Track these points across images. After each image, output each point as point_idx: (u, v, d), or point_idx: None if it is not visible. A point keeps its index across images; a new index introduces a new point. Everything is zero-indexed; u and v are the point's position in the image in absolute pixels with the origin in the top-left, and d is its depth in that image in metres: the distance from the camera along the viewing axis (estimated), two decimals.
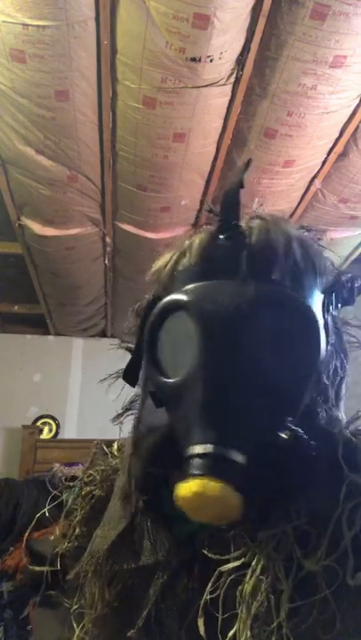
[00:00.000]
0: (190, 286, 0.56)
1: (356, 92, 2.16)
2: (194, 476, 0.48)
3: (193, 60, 1.94)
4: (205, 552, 0.53)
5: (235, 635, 0.49)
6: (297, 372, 0.53)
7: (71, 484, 0.77)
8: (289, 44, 1.94)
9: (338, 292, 0.59)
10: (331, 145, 2.47)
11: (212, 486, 0.47)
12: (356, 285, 0.59)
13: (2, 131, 2.34)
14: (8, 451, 4.33)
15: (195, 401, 0.51)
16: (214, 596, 0.51)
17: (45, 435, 4.44)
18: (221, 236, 0.58)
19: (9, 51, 1.94)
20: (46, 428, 4.48)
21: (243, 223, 0.59)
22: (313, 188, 2.77)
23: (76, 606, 0.61)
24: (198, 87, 2.08)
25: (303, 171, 2.60)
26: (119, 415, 0.69)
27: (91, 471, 0.73)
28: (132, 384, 0.64)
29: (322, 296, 0.58)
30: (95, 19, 1.89)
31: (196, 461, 0.49)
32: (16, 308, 4.42)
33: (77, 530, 0.68)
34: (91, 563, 0.59)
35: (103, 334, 4.76)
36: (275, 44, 1.98)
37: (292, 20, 1.86)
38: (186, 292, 0.56)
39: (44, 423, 4.49)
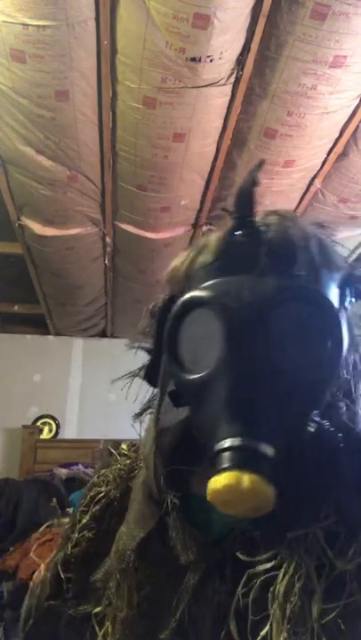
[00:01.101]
0: (210, 282, 0.56)
1: (356, 91, 2.16)
2: (225, 469, 0.48)
3: (193, 59, 1.94)
4: (238, 554, 0.52)
5: (266, 636, 0.49)
6: (321, 366, 0.53)
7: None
8: (289, 44, 1.94)
9: (352, 286, 0.59)
10: (331, 145, 2.47)
11: (245, 478, 0.47)
12: None
13: (2, 131, 2.34)
14: (8, 451, 4.34)
15: (221, 395, 0.51)
16: (245, 598, 0.51)
17: (45, 435, 4.44)
18: (238, 233, 0.57)
19: (9, 51, 1.94)
20: (46, 428, 4.48)
21: (258, 219, 0.59)
22: (313, 188, 2.77)
23: (98, 609, 0.59)
24: (198, 87, 2.08)
25: (303, 171, 2.60)
26: (139, 414, 0.67)
27: (104, 471, 0.71)
28: (154, 384, 0.63)
29: (338, 290, 0.58)
30: (95, 19, 1.89)
31: (227, 455, 0.49)
32: (16, 307, 4.43)
33: (86, 533, 0.66)
34: (119, 562, 0.58)
35: (103, 334, 4.76)
36: (275, 44, 1.98)
37: (292, 19, 1.86)
38: (206, 289, 0.55)
39: (44, 423, 4.50)
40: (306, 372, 0.52)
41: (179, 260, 0.63)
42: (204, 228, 3.10)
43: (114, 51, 2.02)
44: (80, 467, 3.75)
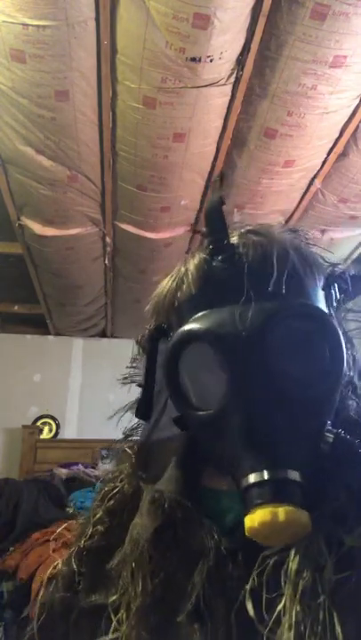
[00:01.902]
0: (199, 315, 0.56)
1: (356, 91, 2.16)
2: (257, 505, 0.49)
3: (193, 59, 1.94)
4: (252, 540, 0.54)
5: (281, 611, 0.50)
6: (325, 375, 0.54)
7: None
8: (289, 44, 1.94)
9: (335, 283, 0.60)
10: (331, 145, 2.47)
11: (280, 512, 0.48)
12: (350, 274, 0.61)
13: (2, 131, 2.34)
14: (8, 451, 4.34)
15: (235, 429, 0.51)
16: (259, 579, 0.53)
17: (45, 435, 4.44)
18: (216, 259, 0.57)
19: (9, 51, 1.94)
20: (46, 428, 4.48)
21: (235, 240, 0.59)
22: (313, 188, 2.77)
23: (113, 598, 0.60)
24: (198, 87, 2.08)
25: (303, 171, 2.60)
26: (122, 439, 0.71)
27: (119, 467, 0.72)
28: (146, 418, 0.64)
29: (323, 293, 0.59)
30: (95, 19, 1.89)
31: (255, 491, 0.49)
32: (16, 307, 4.43)
33: (100, 527, 0.67)
34: (134, 550, 0.59)
35: (103, 334, 4.76)
36: (275, 44, 1.98)
37: (292, 19, 1.86)
38: (197, 322, 0.55)
39: (44, 423, 4.50)
40: (312, 386, 0.53)
41: (161, 290, 0.63)
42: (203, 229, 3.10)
43: (114, 51, 2.02)
44: (80, 467, 3.76)
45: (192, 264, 0.60)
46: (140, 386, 0.65)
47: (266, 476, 0.49)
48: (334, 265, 0.62)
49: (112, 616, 0.59)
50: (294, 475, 0.50)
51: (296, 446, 0.51)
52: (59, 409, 4.57)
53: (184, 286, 0.59)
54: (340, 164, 2.59)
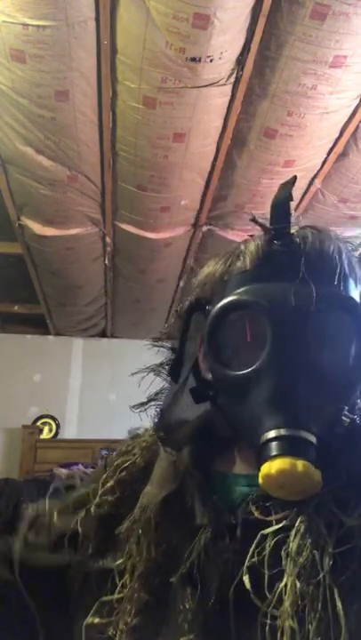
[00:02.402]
0: (251, 286, 0.61)
1: (356, 91, 2.16)
2: (277, 456, 0.53)
3: (193, 59, 1.95)
4: (253, 511, 0.58)
5: (282, 589, 0.53)
6: (353, 366, 0.59)
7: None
8: (289, 43, 1.94)
9: None
10: (331, 145, 2.47)
11: (299, 463, 0.52)
12: None
13: (2, 131, 2.34)
14: (8, 451, 4.34)
15: (265, 390, 0.57)
16: (257, 557, 0.56)
17: (45, 435, 4.44)
18: (276, 243, 0.62)
19: (9, 51, 1.94)
20: (46, 428, 4.48)
21: (294, 231, 0.64)
22: (313, 188, 2.77)
23: (119, 561, 0.63)
24: (198, 87, 2.08)
25: (303, 171, 2.60)
26: (144, 403, 0.72)
27: (131, 442, 0.75)
28: (176, 380, 0.69)
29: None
30: (95, 19, 1.89)
31: (276, 444, 0.54)
32: (16, 307, 4.43)
33: (110, 497, 0.70)
34: (142, 516, 0.63)
35: (103, 334, 4.76)
36: (275, 44, 1.98)
37: (292, 19, 1.86)
38: (249, 293, 0.61)
39: (44, 423, 4.50)
40: (340, 371, 0.59)
41: (212, 266, 0.68)
42: (204, 228, 3.10)
43: (114, 51, 2.02)
44: (80, 467, 3.76)
45: (252, 244, 0.64)
46: (172, 350, 0.70)
47: (286, 432, 0.54)
48: None
49: (117, 578, 0.63)
50: (311, 437, 0.54)
51: (316, 417, 0.56)
52: (59, 409, 4.56)
53: (239, 262, 0.64)
54: (340, 164, 2.59)
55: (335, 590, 0.52)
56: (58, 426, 4.50)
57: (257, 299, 0.59)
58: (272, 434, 0.54)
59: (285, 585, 0.53)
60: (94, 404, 4.54)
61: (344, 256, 0.62)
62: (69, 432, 4.51)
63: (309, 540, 0.54)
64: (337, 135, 2.41)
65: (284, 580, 0.53)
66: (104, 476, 0.72)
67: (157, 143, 2.35)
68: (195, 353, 0.68)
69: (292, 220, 0.63)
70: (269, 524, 0.56)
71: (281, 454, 0.53)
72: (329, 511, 0.55)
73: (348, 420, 0.57)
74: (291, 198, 0.63)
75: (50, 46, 1.92)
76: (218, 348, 0.62)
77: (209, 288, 0.66)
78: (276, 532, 0.56)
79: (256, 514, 0.57)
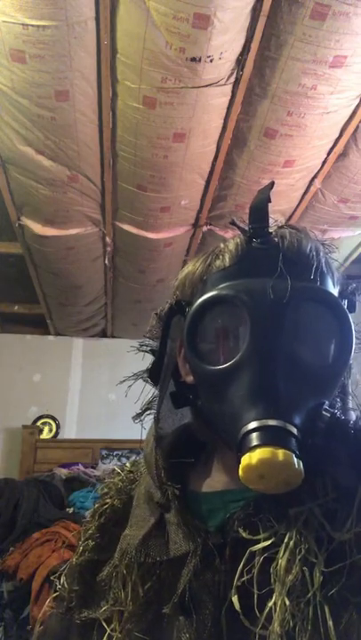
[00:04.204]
0: (231, 282, 0.61)
1: (356, 92, 2.16)
2: (257, 446, 0.52)
3: (193, 59, 1.94)
4: (241, 531, 0.56)
5: (271, 608, 0.52)
6: (333, 360, 0.60)
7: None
8: (289, 43, 1.94)
9: (347, 299, 0.66)
10: (331, 145, 2.47)
11: (280, 452, 0.51)
12: (357, 294, 0.67)
13: (2, 131, 2.34)
14: (8, 451, 4.34)
15: (245, 383, 0.56)
16: (246, 575, 0.54)
17: (45, 435, 4.44)
18: (255, 241, 0.63)
19: (9, 51, 1.94)
20: (46, 428, 4.48)
21: (272, 230, 0.65)
22: (313, 188, 2.77)
23: (104, 608, 0.62)
24: (198, 87, 2.08)
25: (303, 171, 2.60)
26: (139, 414, 0.72)
27: (108, 481, 0.75)
28: (156, 383, 0.69)
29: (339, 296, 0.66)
30: (95, 19, 1.89)
31: (256, 434, 0.53)
32: (16, 307, 4.43)
33: (90, 542, 0.69)
34: (123, 559, 0.62)
35: (103, 334, 4.76)
36: (275, 44, 1.98)
37: (292, 20, 1.86)
38: (229, 288, 0.61)
39: (44, 423, 4.49)
40: (321, 365, 0.59)
41: (191, 266, 0.68)
42: (205, 228, 3.10)
43: (114, 51, 2.02)
44: (80, 467, 3.76)
45: (231, 243, 0.65)
46: (152, 353, 0.70)
47: (267, 422, 0.53)
48: (349, 282, 0.68)
49: (104, 625, 0.61)
50: (293, 429, 0.53)
51: (297, 410, 0.55)
52: (59, 409, 4.56)
53: (218, 261, 0.65)
54: (340, 163, 2.59)
55: (326, 608, 0.51)
56: (58, 426, 4.49)
57: (236, 293, 0.60)
58: (252, 425, 0.53)
59: (275, 604, 0.51)
60: (94, 404, 4.54)
61: (321, 254, 0.63)
62: (69, 432, 4.51)
63: (299, 557, 0.52)
64: (337, 135, 2.41)
65: (273, 599, 0.52)
66: (85, 522, 0.72)
67: (157, 143, 2.35)
68: (175, 356, 0.67)
69: (271, 221, 0.64)
70: (258, 541, 0.55)
71: (261, 444, 0.52)
72: (318, 525, 0.54)
73: (328, 415, 0.56)
74: (269, 200, 0.64)
75: (50, 46, 1.92)
76: (198, 344, 0.62)
77: (189, 289, 0.67)
78: (264, 549, 0.54)
79: (244, 534, 0.56)
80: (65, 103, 2.16)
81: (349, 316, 0.61)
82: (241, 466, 0.52)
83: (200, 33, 1.84)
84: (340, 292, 0.65)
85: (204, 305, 0.61)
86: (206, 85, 2.08)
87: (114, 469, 0.77)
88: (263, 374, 0.56)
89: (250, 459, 0.51)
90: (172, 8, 1.77)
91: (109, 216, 2.95)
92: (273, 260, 0.60)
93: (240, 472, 0.52)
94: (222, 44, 1.91)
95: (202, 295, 0.62)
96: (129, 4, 1.83)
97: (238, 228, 0.65)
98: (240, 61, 2.05)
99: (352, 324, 0.60)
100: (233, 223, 0.66)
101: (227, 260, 0.63)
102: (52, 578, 0.73)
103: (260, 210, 0.64)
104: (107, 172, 2.62)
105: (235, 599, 0.53)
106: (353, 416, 0.63)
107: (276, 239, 0.63)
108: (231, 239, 0.66)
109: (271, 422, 0.53)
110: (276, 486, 0.53)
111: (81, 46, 1.96)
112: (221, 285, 0.62)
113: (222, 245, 0.66)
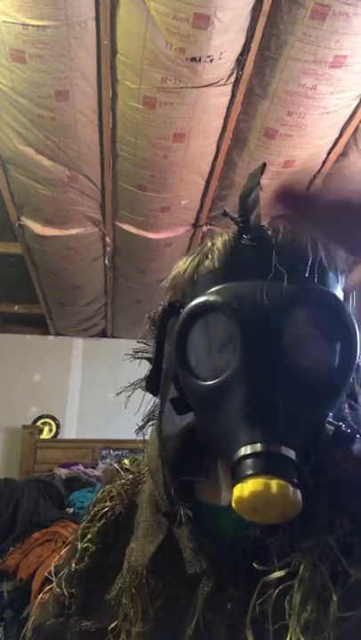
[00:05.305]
0: (220, 287, 0.55)
1: (356, 92, 2.16)
2: (250, 476, 0.47)
3: (193, 59, 1.95)
4: (253, 564, 0.52)
5: None
6: (336, 368, 0.53)
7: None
8: (289, 43, 1.94)
9: (353, 292, 0.60)
10: (331, 145, 2.47)
11: (274, 484, 0.46)
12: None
13: (2, 131, 2.34)
14: (8, 451, 4.33)
15: (238, 401, 0.51)
16: (261, 607, 0.51)
17: (45, 435, 4.44)
18: (245, 237, 0.57)
19: (9, 51, 1.94)
20: (46, 428, 4.48)
21: (265, 223, 0.59)
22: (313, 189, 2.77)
23: (113, 625, 0.58)
24: (198, 87, 2.08)
25: (303, 171, 2.60)
26: (142, 427, 0.66)
27: (108, 486, 0.70)
28: (155, 393, 0.62)
29: (343, 294, 0.59)
30: (95, 19, 1.89)
31: (249, 461, 0.48)
32: (16, 307, 4.42)
33: (90, 548, 0.65)
34: (133, 578, 0.57)
35: (103, 334, 4.76)
36: (275, 44, 1.98)
37: (292, 20, 1.86)
38: (217, 293, 0.55)
39: (44, 423, 4.49)
40: (322, 375, 0.53)
41: (181, 266, 0.62)
42: (204, 228, 3.10)
43: (114, 51, 2.02)
44: (80, 467, 3.75)
45: (219, 241, 0.59)
46: (149, 361, 0.64)
47: (261, 447, 0.48)
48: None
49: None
50: (290, 453, 0.48)
51: (295, 428, 0.50)
52: (59, 409, 4.56)
53: (207, 261, 0.58)
54: (340, 164, 2.59)
55: None
56: (58, 426, 4.49)
57: (225, 299, 0.53)
58: (245, 450, 0.48)
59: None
60: (94, 404, 4.54)
61: (320, 247, 0.56)
62: (69, 432, 4.51)
63: (314, 593, 0.48)
64: (337, 135, 2.41)
65: (288, 636, 0.48)
66: (81, 526, 0.68)
67: (157, 143, 2.35)
68: (173, 361, 0.60)
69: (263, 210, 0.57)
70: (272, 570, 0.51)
71: (254, 474, 0.47)
72: (334, 558, 0.50)
73: (332, 428, 0.51)
74: (259, 187, 0.57)
75: (50, 46, 1.92)
76: (187, 356, 0.56)
77: (179, 290, 0.61)
78: (279, 580, 0.50)
79: (257, 566, 0.51)
80: (65, 103, 2.16)
81: (353, 316, 0.54)
82: (233, 497, 0.48)
83: (200, 33, 1.84)
84: (345, 285, 0.59)
85: (190, 314, 0.56)
86: (206, 85, 2.08)
87: (112, 465, 0.72)
88: (256, 390, 0.50)
89: (242, 490, 0.47)
90: (172, 8, 1.77)
91: (109, 216, 2.95)
92: (266, 259, 0.54)
93: (233, 504, 0.48)
94: (222, 44, 1.91)
95: (191, 301, 0.56)
96: (129, 4, 1.83)
97: (231, 219, 0.58)
98: (240, 61, 2.05)
99: (356, 326, 0.54)
100: (225, 214, 0.59)
101: (215, 260, 0.57)
102: (48, 576, 0.70)
103: (249, 198, 0.56)
104: (107, 172, 2.62)
105: (249, 635, 0.50)
106: None
107: (269, 233, 0.56)
108: (220, 235, 0.60)
109: (266, 447, 0.48)
110: (272, 518, 0.49)
111: (81, 46, 1.96)
112: (210, 290, 0.55)
113: (210, 243, 0.60)
